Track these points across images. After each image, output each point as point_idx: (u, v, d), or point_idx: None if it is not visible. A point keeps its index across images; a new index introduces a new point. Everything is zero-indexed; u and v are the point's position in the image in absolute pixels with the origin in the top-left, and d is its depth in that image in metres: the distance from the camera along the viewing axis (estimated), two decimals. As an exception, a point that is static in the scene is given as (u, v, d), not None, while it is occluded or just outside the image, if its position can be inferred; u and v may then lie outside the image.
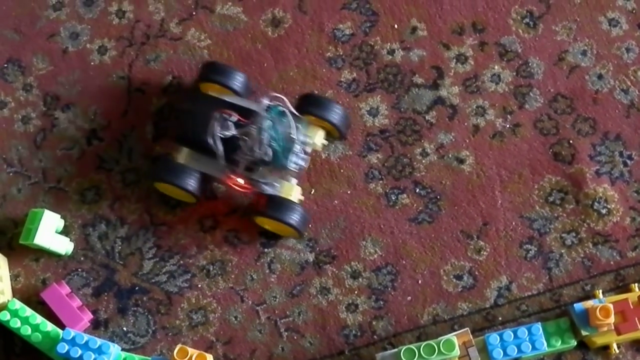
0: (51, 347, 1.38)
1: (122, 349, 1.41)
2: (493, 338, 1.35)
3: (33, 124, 1.53)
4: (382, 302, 1.44)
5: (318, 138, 1.45)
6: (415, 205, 1.47)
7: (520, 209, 1.46)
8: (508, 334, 1.35)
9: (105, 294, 1.46)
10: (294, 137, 1.40)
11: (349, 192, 1.48)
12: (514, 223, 1.46)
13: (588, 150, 1.48)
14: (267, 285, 1.45)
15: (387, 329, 1.43)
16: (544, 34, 1.53)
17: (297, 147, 1.40)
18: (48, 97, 1.54)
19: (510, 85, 1.52)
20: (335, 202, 1.48)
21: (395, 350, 1.34)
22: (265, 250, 1.46)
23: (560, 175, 1.47)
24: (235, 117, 1.40)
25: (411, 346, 1.33)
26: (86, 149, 1.52)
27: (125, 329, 1.44)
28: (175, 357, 1.34)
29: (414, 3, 1.56)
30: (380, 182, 1.49)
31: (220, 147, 1.39)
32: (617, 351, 1.39)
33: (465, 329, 1.36)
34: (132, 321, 1.45)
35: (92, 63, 1.55)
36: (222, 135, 1.39)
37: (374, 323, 1.43)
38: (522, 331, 1.35)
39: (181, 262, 1.46)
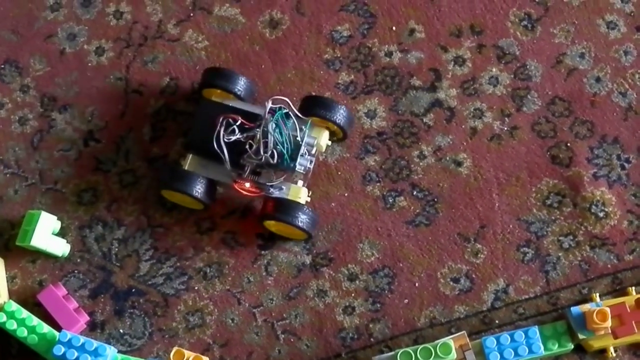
0: (47, 349, 1.38)
1: (119, 351, 1.40)
2: (490, 341, 1.35)
3: (30, 125, 1.53)
4: (379, 305, 1.44)
5: (323, 139, 1.45)
6: (412, 207, 1.47)
7: (517, 212, 1.46)
8: (505, 337, 1.35)
9: (102, 295, 1.46)
10: (299, 139, 1.40)
11: (346, 194, 1.48)
12: (511, 226, 1.45)
13: (586, 153, 1.48)
14: (264, 287, 1.45)
15: (384, 331, 1.43)
16: (542, 37, 1.53)
17: (302, 149, 1.40)
18: (45, 98, 1.54)
19: (508, 88, 1.51)
20: (333, 204, 1.48)
21: (392, 353, 1.34)
22: (262, 252, 1.46)
23: (558, 178, 1.47)
24: (239, 121, 1.40)
25: (408, 349, 1.33)
26: (83, 150, 1.51)
27: (121, 331, 1.44)
28: (172, 359, 1.34)
29: (412, 5, 1.56)
30: (378, 184, 1.48)
31: (226, 152, 1.39)
32: (614, 355, 1.39)
33: (462, 332, 1.36)
34: (128, 323, 1.44)
35: (89, 64, 1.55)
36: (227, 140, 1.39)
37: (371, 326, 1.43)
38: (519, 334, 1.35)
39: (178, 264, 1.46)
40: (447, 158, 1.49)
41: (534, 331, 1.35)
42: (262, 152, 1.39)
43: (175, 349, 1.35)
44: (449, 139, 1.50)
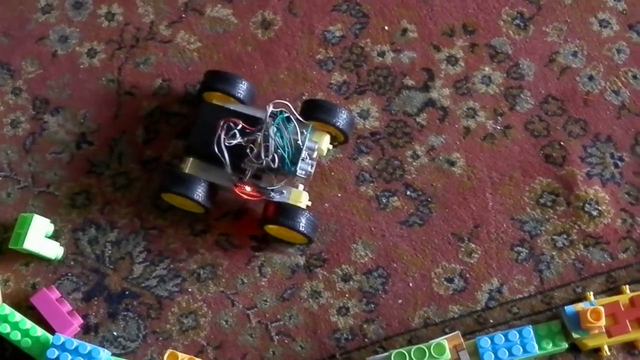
0: (41, 352, 1.38)
1: (113, 354, 1.40)
2: (484, 341, 1.35)
3: (22, 128, 1.53)
4: (373, 305, 1.43)
5: (324, 143, 1.44)
6: (406, 207, 1.47)
7: (511, 211, 1.46)
8: (499, 336, 1.35)
9: (96, 298, 1.45)
10: (300, 143, 1.40)
11: (339, 195, 1.48)
12: (505, 225, 1.45)
13: (579, 152, 1.48)
14: (258, 289, 1.45)
15: (378, 332, 1.42)
16: (535, 36, 1.53)
17: (303, 153, 1.40)
18: (37, 101, 1.54)
19: (501, 87, 1.51)
20: (326, 205, 1.47)
21: (386, 353, 1.34)
22: (256, 254, 1.46)
23: (551, 177, 1.47)
24: (240, 124, 1.40)
25: (402, 350, 1.32)
26: (76, 152, 1.51)
27: (115, 333, 1.44)
28: (166, 362, 1.34)
29: (405, 5, 1.55)
30: (371, 184, 1.48)
31: (227, 156, 1.39)
32: (609, 354, 1.39)
33: (456, 332, 1.35)
34: (122, 326, 1.44)
35: (81, 66, 1.55)
36: (228, 144, 1.39)
37: (365, 326, 1.43)
38: (513, 334, 1.35)
39: (171, 266, 1.46)
40: (441, 158, 1.49)
41: (528, 331, 1.35)
42: (263, 156, 1.39)
43: (169, 351, 1.35)
44: (442, 138, 1.49)
